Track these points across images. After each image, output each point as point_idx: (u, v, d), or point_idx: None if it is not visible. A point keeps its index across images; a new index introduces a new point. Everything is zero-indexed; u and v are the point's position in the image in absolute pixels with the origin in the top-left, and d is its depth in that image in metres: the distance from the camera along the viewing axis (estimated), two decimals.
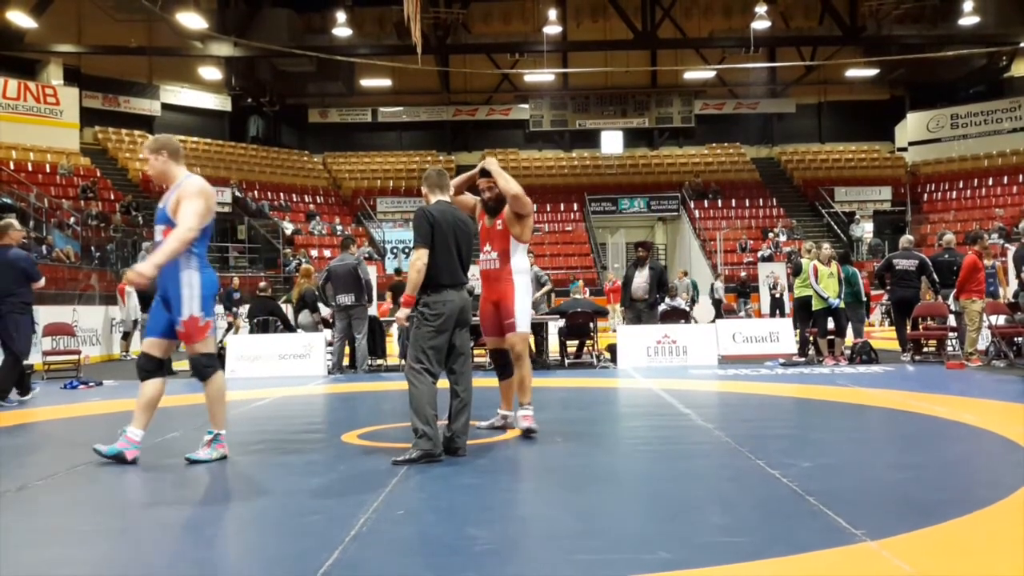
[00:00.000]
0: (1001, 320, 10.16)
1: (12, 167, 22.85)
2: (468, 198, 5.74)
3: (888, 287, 11.28)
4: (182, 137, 29.80)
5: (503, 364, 5.63)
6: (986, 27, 25.37)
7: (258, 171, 30.13)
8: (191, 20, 23.27)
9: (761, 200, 30.09)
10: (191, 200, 4.55)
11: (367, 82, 31.63)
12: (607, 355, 11.11)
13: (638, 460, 4.87)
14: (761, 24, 25.12)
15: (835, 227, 27.76)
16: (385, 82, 31.82)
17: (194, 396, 8.66)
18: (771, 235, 27.24)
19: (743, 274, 23.27)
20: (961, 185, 29.27)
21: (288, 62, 27.54)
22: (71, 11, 26.45)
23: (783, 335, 11.48)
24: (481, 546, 3.07)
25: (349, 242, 11.52)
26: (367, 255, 21.87)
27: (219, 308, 12.87)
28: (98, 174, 25.43)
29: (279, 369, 10.51)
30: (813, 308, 10.43)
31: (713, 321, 14.92)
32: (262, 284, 13.16)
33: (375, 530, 3.27)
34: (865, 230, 27.56)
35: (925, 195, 29.67)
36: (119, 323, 14.28)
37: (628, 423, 6.60)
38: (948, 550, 2.95)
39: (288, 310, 12.63)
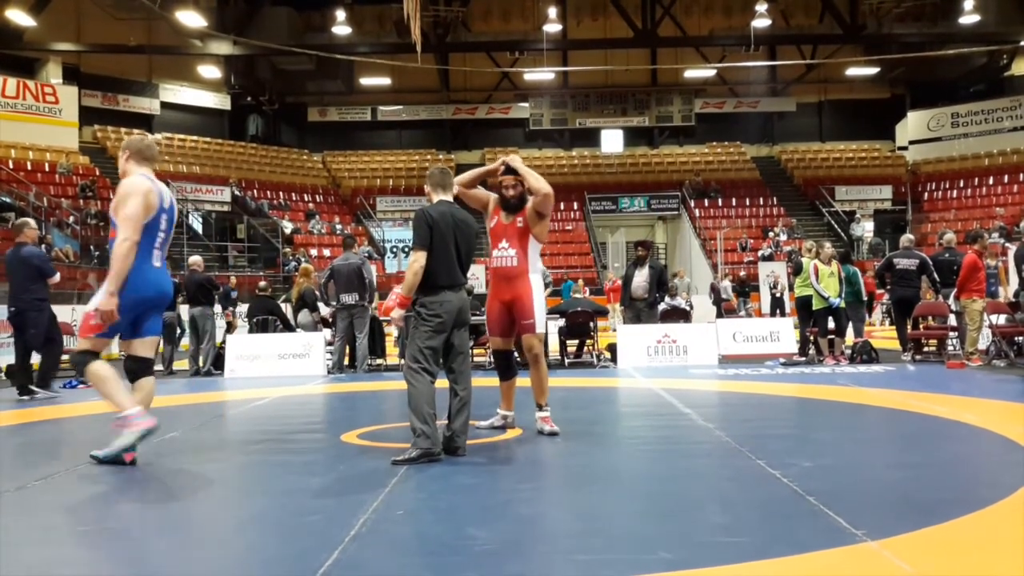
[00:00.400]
0: (1002, 319, 10.15)
1: (11, 166, 22.85)
2: (482, 193, 5.61)
3: (888, 286, 11.27)
4: (181, 136, 29.88)
5: (506, 365, 5.55)
6: (987, 26, 25.38)
7: (257, 170, 30.13)
8: (190, 18, 23.27)
9: (761, 199, 30.09)
10: (123, 204, 4.52)
11: (367, 80, 31.63)
12: (607, 355, 11.10)
13: (638, 460, 4.87)
14: (761, 22, 25.12)
15: (835, 226, 27.76)
16: (385, 80, 31.82)
17: (194, 396, 8.68)
18: (771, 234, 27.24)
19: (742, 273, 23.26)
20: (962, 184, 29.27)
21: (287, 60, 27.52)
22: (70, 9, 26.45)
23: (783, 334, 11.48)
24: (481, 546, 3.06)
25: (351, 241, 11.52)
26: (367, 254, 21.85)
27: (217, 308, 12.85)
28: (97, 173, 25.41)
29: (278, 369, 10.50)
30: (813, 307, 10.42)
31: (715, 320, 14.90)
32: (262, 283, 13.15)
33: (375, 530, 3.26)
34: (865, 229, 27.54)
35: (926, 194, 29.67)
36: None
37: (628, 423, 6.59)
38: (949, 550, 2.95)
39: (288, 309, 12.62)
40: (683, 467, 4.50)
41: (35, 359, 8.65)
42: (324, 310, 11.56)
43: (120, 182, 4.73)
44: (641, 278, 10.89)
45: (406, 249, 25.79)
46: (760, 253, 25.68)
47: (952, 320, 10.61)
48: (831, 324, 10.50)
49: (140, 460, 4.64)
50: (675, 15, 27.62)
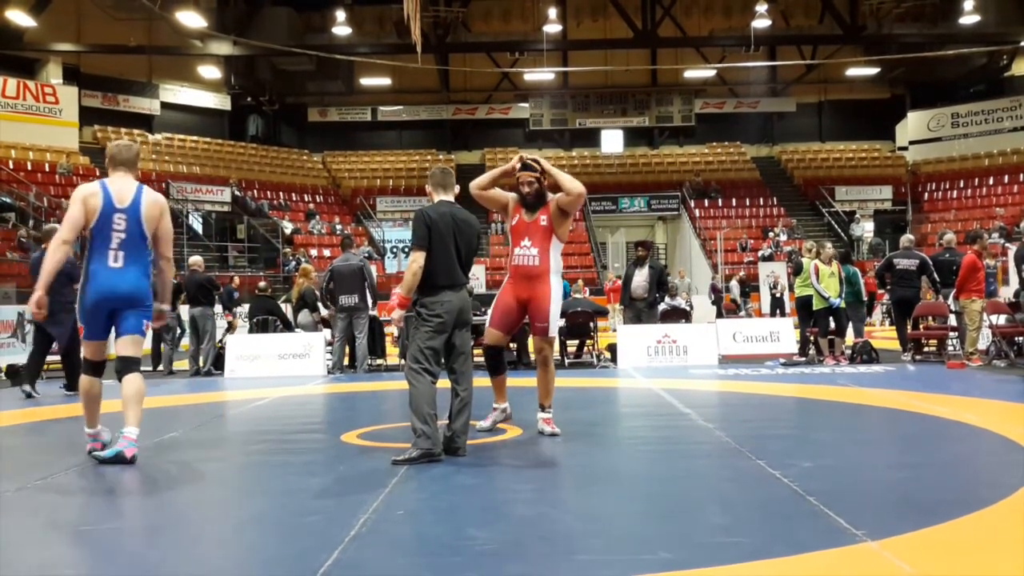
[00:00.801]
0: (1002, 319, 10.15)
1: (11, 166, 22.86)
2: (500, 193, 5.52)
3: (888, 287, 11.27)
4: (182, 136, 29.88)
5: (497, 362, 5.51)
6: (986, 26, 25.37)
7: (257, 170, 30.12)
8: (190, 19, 23.26)
9: (761, 199, 30.08)
10: (69, 209, 4.76)
11: (367, 81, 31.62)
12: (607, 355, 11.10)
13: (638, 460, 4.87)
14: (761, 23, 25.11)
15: (835, 226, 27.75)
16: (385, 81, 31.81)
17: (194, 396, 8.68)
18: (771, 234, 27.24)
19: (742, 273, 23.27)
20: (962, 184, 29.25)
21: (288, 61, 27.51)
22: (70, 10, 26.43)
23: (783, 335, 11.47)
24: (481, 546, 3.07)
25: (349, 241, 11.50)
26: (367, 254, 21.86)
27: (218, 308, 12.84)
28: (97, 173, 25.37)
29: (278, 369, 10.49)
30: (814, 307, 10.42)
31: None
32: (261, 283, 13.16)
33: (375, 530, 3.26)
34: (865, 229, 27.54)
35: (926, 194, 29.66)
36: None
37: (628, 423, 6.59)
38: (949, 550, 2.95)
39: (288, 309, 12.61)
40: (683, 467, 4.50)
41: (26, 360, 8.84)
42: (325, 311, 11.54)
43: None
44: (641, 278, 10.89)
45: (406, 249, 25.75)
46: (760, 253, 25.68)
47: (952, 320, 10.61)
48: (831, 324, 10.50)
49: (140, 460, 4.64)
50: (675, 15, 27.60)
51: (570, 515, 3.57)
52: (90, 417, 4.91)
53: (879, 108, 32.53)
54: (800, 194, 30.56)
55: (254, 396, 8.17)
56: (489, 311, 5.52)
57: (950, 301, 10.37)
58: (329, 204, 30.42)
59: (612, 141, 32.30)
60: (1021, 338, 10.25)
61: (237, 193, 26.99)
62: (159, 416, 6.48)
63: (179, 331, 11.94)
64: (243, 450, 5.38)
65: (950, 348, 10.68)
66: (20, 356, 11.41)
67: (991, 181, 28.81)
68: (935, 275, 10.60)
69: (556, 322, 5.41)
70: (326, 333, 11.22)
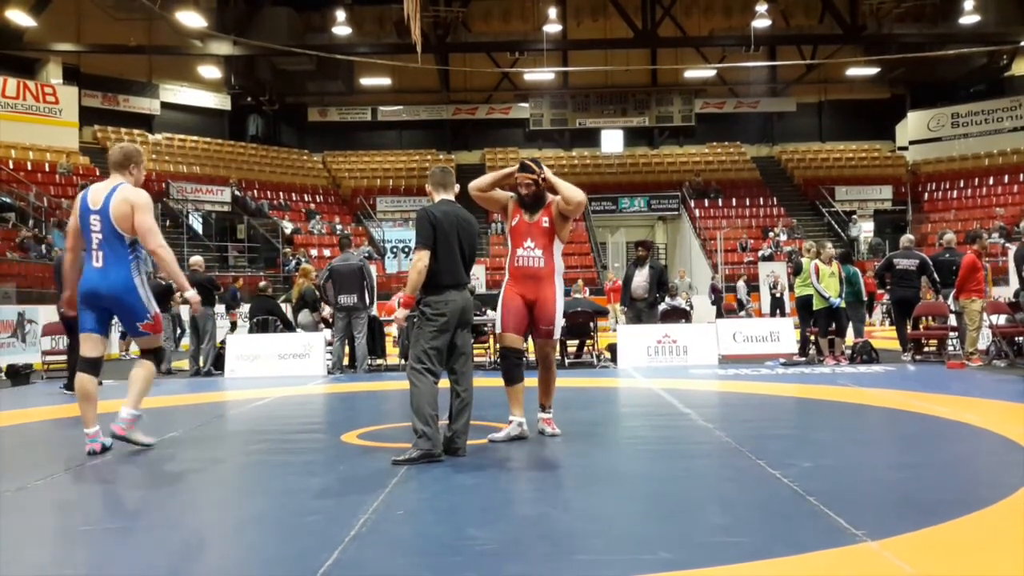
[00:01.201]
0: (1002, 319, 10.15)
1: (11, 166, 22.84)
2: (500, 194, 5.51)
3: (888, 287, 11.27)
4: (182, 136, 29.89)
5: (517, 366, 5.29)
6: (986, 26, 25.38)
7: (257, 170, 30.12)
8: (190, 19, 23.26)
9: (761, 199, 30.08)
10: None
11: (367, 81, 31.62)
12: (607, 355, 11.10)
13: (638, 460, 4.87)
14: (761, 23, 25.12)
15: (836, 226, 27.76)
16: (385, 81, 31.81)
17: (194, 396, 8.68)
18: (771, 234, 27.24)
19: (744, 275, 23.28)
20: (962, 184, 29.26)
21: (288, 61, 27.52)
22: (70, 10, 26.43)
23: (783, 335, 11.47)
24: (481, 546, 3.07)
25: (347, 241, 11.48)
26: (367, 254, 21.85)
27: (220, 308, 12.87)
28: (97, 173, 25.34)
29: (278, 369, 10.49)
30: (814, 307, 10.42)
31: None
32: (262, 283, 13.15)
33: (375, 530, 3.26)
34: (863, 229, 27.56)
35: (926, 194, 29.66)
36: (118, 323, 14.24)
37: (628, 423, 6.59)
38: (949, 550, 2.95)
39: (288, 309, 12.61)
40: (683, 467, 4.50)
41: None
42: (325, 310, 11.54)
43: None
44: (641, 278, 10.89)
45: (406, 249, 25.78)
46: (760, 253, 25.68)
47: (952, 320, 10.61)
48: (831, 324, 10.50)
49: (141, 460, 4.65)
50: (675, 15, 27.61)
51: (570, 515, 3.57)
52: (86, 417, 4.96)
53: (879, 108, 32.54)
54: (800, 194, 30.56)
55: (254, 396, 8.17)
56: (497, 315, 5.38)
57: (950, 301, 10.37)
58: (329, 204, 30.42)
59: (612, 141, 32.30)
60: (1021, 338, 10.25)
61: (237, 193, 26.99)
62: (159, 416, 6.48)
63: (179, 331, 11.94)
64: (243, 450, 5.38)
65: (950, 348, 10.68)
66: (20, 356, 11.43)
67: (991, 181, 28.81)
68: (935, 275, 10.60)
69: (560, 324, 5.38)
70: (326, 333, 11.22)
